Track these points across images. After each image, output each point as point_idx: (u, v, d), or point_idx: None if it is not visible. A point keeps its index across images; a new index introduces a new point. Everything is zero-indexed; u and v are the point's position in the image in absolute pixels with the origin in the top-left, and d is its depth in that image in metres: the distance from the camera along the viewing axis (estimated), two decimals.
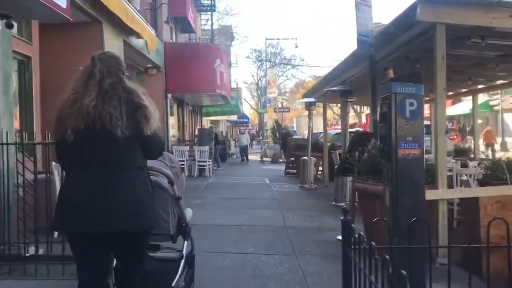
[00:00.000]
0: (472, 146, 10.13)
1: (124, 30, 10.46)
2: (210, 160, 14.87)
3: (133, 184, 2.42)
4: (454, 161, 7.74)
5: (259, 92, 51.32)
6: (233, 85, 41.82)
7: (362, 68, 8.28)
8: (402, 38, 6.16)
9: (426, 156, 5.00)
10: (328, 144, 13.18)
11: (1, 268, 4.43)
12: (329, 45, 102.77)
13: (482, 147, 17.07)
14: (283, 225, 6.97)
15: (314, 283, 4.42)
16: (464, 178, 5.95)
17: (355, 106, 42.78)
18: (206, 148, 14.75)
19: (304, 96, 14.60)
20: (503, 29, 5.24)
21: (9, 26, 5.36)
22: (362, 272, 2.46)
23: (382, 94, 4.24)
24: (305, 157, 12.06)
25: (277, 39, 45.01)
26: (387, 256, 2.05)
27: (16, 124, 6.61)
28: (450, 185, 5.62)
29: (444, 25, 4.94)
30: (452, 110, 27.47)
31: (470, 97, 16.14)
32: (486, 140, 20.07)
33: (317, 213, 8.06)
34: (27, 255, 4.44)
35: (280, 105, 41.95)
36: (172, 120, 17.47)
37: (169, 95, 15.72)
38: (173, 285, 3.11)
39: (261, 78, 49.88)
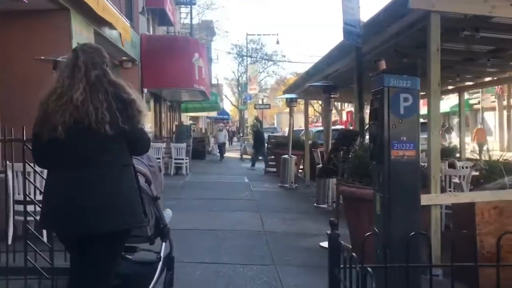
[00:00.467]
0: (458, 146, 9.79)
1: (95, 19, 9.78)
2: (187, 157, 14.30)
3: (121, 182, 2.36)
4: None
5: (239, 88, 50.77)
6: (214, 81, 41.23)
7: (347, 62, 7.83)
8: (392, 29, 5.72)
9: None
10: (310, 142, 12.74)
11: None
12: (311, 41, 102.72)
13: (470, 147, 16.80)
14: (261, 229, 6.48)
15: None
16: (456, 180, 5.54)
17: (336, 103, 42.74)
18: (184, 145, 14.16)
19: (285, 92, 14.14)
20: (501, 19, 4.83)
21: None
22: None
23: (373, 88, 3.77)
24: (286, 156, 11.59)
25: (258, 34, 44.45)
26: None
27: None
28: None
29: (439, 14, 4.50)
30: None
31: (449, 96, 15.93)
32: (477, 139, 19.79)
33: (298, 216, 7.59)
34: None
35: (260, 102, 41.48)
36: (149, 116, 16.82)
37: (145, 90, 15.05)
38: None
39: (242, 75, 49.34)
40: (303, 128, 21.78)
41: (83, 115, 2.28)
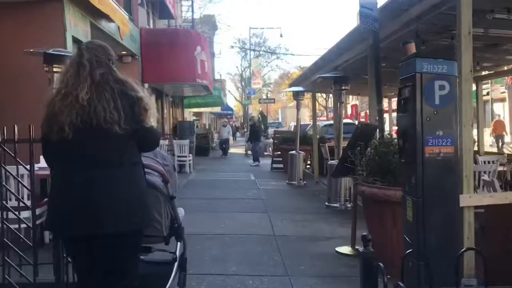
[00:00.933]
0: (476, 139, 9.24)
1: (91, 11, 9.29)
2: (190, 155, 13.80)
3: (131, 181, 2.32)
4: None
5: (243, 83, 50.16)
6: (217, 77, 40.69)
7: (360, 51, 7.30)
8: (412, 11, 5.19)
9: None
10: (317, 136, 12.21)
11: None
12: (315, 34, 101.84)
13: (489, 140, 16.16)
14: (271, 233, 5.97)
15: None
16: (486, 178, 5.02)
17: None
18: (186, 142, 13.66)
19: (291, 85, 13.60)
20: None
21: None
22: None
23: (401, 75, 3.26)
24: (293, 151, 11.08)
25: (261, 28, 43.82)
26: None
27: None
28: None
29: None
30: None
31: None
32: (495, 131, 19.08)
33: (309, 217, 7.09)
34: None
35: (264, 97, 40.91)
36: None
37: (146, 85, 14.53)
38: None
39: (245, 69, 48.71)
40: (308, 122, 21.35)
41: (91, 115, 2.23)
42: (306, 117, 33.50)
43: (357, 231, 5.11)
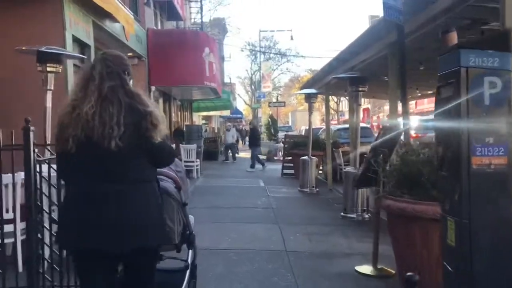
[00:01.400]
0: None
1: (94, 10, 8.85)
2: (198, 159, 13.32)
3: (140, 199, 2.27)
4: None
5: (253, 87, 49.71)
6: (227, 80, 40.24)
7: (378, 49, 6.76)
8: (439, 4, 4.65)
9: None
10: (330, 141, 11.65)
11: None
12: (326, 37, 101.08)
13: None
14: (283, 248, 5.43)
15: None
16: None
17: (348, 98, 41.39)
18: (194, 146, 13.19)
19: (303, 87, 13.06)
20: None
21: None
22: None
23: (441, 70, 2.71)
24: (305, 157, 10.53)
25: (271, 31, 43.33)
26: None
27: None
28: None
29: None
30: None
31: None
32: None
33: (324, 229, 6.54)
34: None
35: (274, 100, 40.33)
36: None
37: (153, 88, 14.11)
38: None
39: (255, 72, 48.26)
40: (320, 126, 20.77)
41: (95, 129, 2.19)
42: (317, 121, 32.91)
43: (381, 245, 4.58)
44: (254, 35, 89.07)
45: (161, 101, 16.80)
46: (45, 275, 3.29)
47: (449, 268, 2.71)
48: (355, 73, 7.49)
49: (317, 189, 10.27)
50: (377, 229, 4.52)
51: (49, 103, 5.54)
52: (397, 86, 6.32)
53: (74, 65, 8.36)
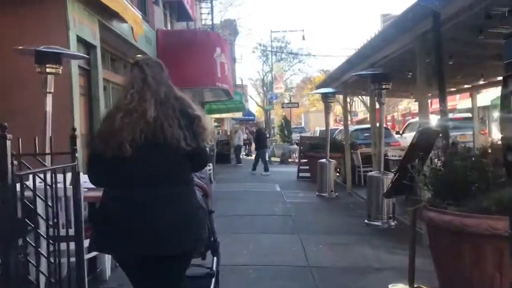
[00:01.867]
0: None
1: (100, 9, 8.45)
2: (210, 164, 12.86)
3: (187, 200, 2.31)
4: None
5: (265, 88, 49.22)
6: (238, 82, 39.80)
7: (404, 43, 6.24)
8: None
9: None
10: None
11: None
12: (338, 37, 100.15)
13: None
14: (305, 263, 4.91)
15: None
16: None
17: (364, 98, 40.51)
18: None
19: (319, 87, 12.53)
20: None
21: None
22: None
23: (507, 57, 2.21)
24: (323, 160, 10.01)
25: (283, 31, 42.77)
26: None
27: None
28: None
29: None
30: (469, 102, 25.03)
31: (487, 89, 13.75)
32: None
33: (348, 238, 6.02)
34: None
35: (287, 101, 39.83)
36: None
37: None
38: None
39: (267, 74, 47.77)
40: (334, 127, 20.20)
41: (157, 133, 2.20)
42: (330, 122, 32.21)
43: (418, 258, 4.05)
44: (265, 36, 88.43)
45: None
46: None
47: None
48: (378, 69, 6.96)
49: (336, 194, 9.74)
50: (414, 244, 3.98)
51: (49, 107, 5.11)
52: (426, 82, 5.81)
53: (80, 66, 7.96)
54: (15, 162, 2.43)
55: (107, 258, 4.34)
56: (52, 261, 2.87)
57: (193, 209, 2.31)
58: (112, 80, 10.90)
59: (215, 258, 3.18)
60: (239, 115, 34.04)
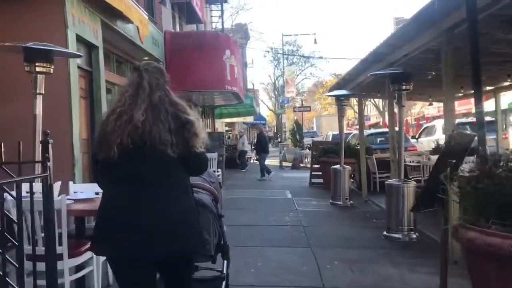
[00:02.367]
0: None
1: (102, 7, 8.06)
2: (219, 169, 12.40)
3: (180, 204, 2.30)
4: None
5: (276, 92, 48.76)
6: (250, 86, 39.36)
7: (428, 40, 5.70)
8: None
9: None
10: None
11: None
12: (350, 40, 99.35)
13: None
14: (319, 284, 4.38)
15: None
16: None
17: (376, 101, 39.67)
18: (215, 155, 12.25)
19: (332, 89, 12.00)
20: None
21: None
22: None
23: None
24: (337, 166, 9.47)
25: (294, 35, 42.30)
26: None
27: None
28: None
29: None
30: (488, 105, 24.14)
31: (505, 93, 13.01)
32: None
33: (366, 253, 5.49)
34: None
35: (298, 105, 39.24)
36: None
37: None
38: None
39: (278, 78, 47.31)
40: (347, 131, 19.63)
41: (144, 136, 2.23)
42: (335, 127, 31.40)
43: (451, 278, 3.52)
44: (277, 41, 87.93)
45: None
46: None
47: None
48: (398, 68, 6.44)
49: (351, 202, 9.19)
50: (446, 266, 3.44)
51: (39, 110, 4.67)
52: (453, 82, 5.27)
53: (80, 67, 7.55)
54: None
55: (96, 278, 3.88)
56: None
57: (183, 214, 2.28)
58: (118, 83, 10.49)
59: (225, 262, 3.22)
60: (250, 119, 33.62)
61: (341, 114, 9.70)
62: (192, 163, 2.36)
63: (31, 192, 2.58)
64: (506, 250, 2.60)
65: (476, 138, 3.63)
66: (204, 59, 13.11)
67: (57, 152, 6.79)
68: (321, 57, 44.58)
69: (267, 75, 73.29)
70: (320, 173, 12.38)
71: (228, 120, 30.35)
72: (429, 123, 18.89)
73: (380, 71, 6.67)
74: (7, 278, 2.44)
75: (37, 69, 4.62)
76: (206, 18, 22.08)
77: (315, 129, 51.66)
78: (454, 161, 3.42)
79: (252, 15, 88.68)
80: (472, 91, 10.24)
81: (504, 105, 21.33)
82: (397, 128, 7.04)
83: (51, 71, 4.72)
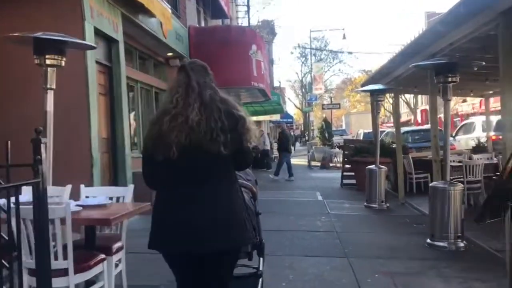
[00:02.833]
0: None
1: (123, 0, 7.71)
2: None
3: (233, 199, 2.39)
4: None
5: (303, 90, 48.04)
6: (276, 84, 38.80)
7: (481, 23, 5.05)
8: None
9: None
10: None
11: None
12: (380, 36, 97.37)
13: None
14: None
15: None
16: None
17: (407, 98, 38.36)
18: None
19: (364, 84, 11.36)
20: None
21: None
22: None
23: None
24: (372, 166, 8.85)
25: (323, 30, 41.48)
26: None
27: None
28: None
29: None
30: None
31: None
32: None
33: (410, 265, 4.90)
34: None
35: (326, 103, 38.48)
36: None
37: None
38: None
39: (305, 75, 46.59)
40: (370, 130, 18.78)
41: (199, 136, 2.28)
42: (365, 125, 30.33)
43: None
44: (304, 37, 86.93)
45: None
46: None
47: None
48: (443, 58, 5.80)
49: (387, 205, 8.56)
50: None
51: (50, 107, 4.25)
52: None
53: (98, 63, 7.18)
54: None
55: None
56: None
57: (236, 208, 2.37)
58: (141, 80, 10.13)
59: (261, 259, 3.22)
60: (276, 117, 33.06)
61: (376, 110, 9.07)
62: (241, 158, 2.40)
63: (17, 201, 2.13)
64: None
65: None
66: (229, 54, 12.62)
67: (74, 152, 6.38)
68: (350, 52, 43.57)
69: (293, 73, 72.42)
70: (353, 173, 11.75)
71: (254, 118, 29.84)
72: (467, 120, 17.94)
73: (424, 61, 6.04)
74: None
75: (47, 61, 4.21)
76: (232, 13, 21.65)
77: (343, 127, 50.65)
78: None
79: (279, 11, 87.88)
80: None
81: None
82: (434, 126, 6.39)
83: (63, 64, 4.29)
